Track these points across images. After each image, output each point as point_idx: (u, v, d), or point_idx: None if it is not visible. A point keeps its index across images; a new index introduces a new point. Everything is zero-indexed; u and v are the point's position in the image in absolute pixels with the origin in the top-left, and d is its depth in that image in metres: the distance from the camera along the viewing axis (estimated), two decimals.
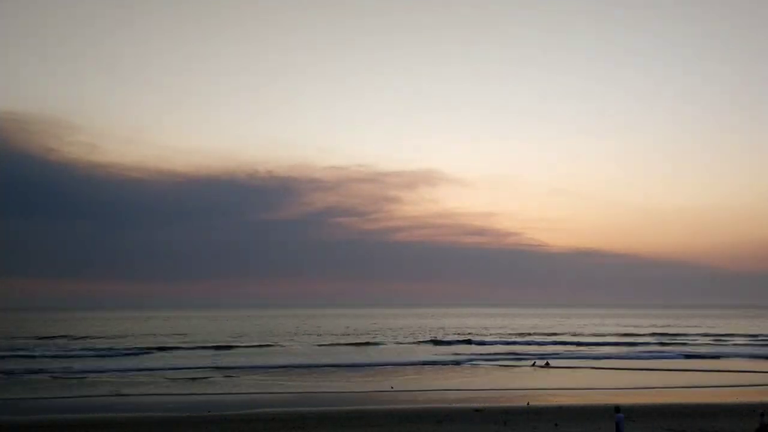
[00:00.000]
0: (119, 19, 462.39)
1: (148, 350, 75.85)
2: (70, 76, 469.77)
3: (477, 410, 31.98)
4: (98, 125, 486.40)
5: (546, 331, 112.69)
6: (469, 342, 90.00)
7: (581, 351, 74.46)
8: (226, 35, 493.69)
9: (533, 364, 57.82)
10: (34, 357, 66.14)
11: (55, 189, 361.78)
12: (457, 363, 60.73)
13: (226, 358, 64.48)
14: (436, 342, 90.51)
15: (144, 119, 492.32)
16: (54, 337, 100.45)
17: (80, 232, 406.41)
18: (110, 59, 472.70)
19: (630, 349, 77.18)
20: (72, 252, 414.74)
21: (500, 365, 59.19)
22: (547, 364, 58.08)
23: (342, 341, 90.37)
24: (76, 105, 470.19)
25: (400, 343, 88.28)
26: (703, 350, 74.08)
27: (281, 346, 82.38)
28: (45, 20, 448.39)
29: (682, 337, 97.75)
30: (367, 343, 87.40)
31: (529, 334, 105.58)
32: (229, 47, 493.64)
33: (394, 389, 42.07)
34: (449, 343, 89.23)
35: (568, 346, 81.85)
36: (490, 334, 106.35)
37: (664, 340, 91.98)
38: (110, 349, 76.52)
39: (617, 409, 22.74)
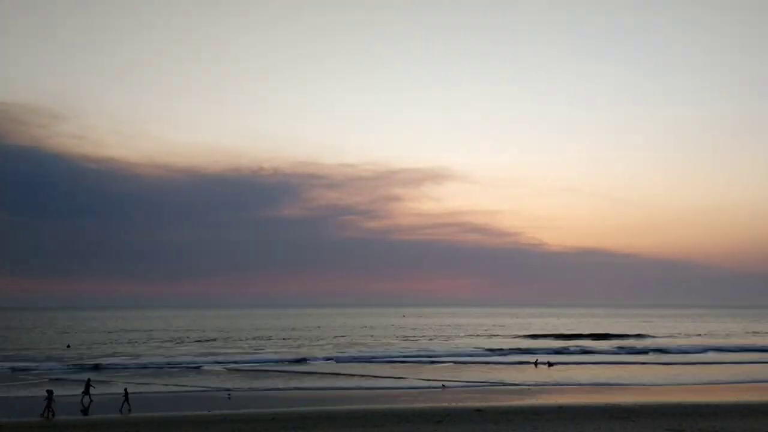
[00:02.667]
0: (119, 11, 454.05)
1: None
2: (65, 68, 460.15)
3: (477, 410, 32.00)
4: (95, 118, 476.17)
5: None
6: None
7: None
8: (233, 29, 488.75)
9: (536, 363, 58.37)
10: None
11: (44, 182, 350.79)
12: None
13: None
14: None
15: (144, 114, 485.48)
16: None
17: (69, 228, 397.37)
18: (108, 51, 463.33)
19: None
20: (63, 249, 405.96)
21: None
22: (549, 363, 58.37)
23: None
24: (71, 97, 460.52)
25: None
26: None
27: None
28: (38, 8, 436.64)
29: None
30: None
31: None
32: (235, 41, 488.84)
33: None
34: None
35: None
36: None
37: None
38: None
39: None
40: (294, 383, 45.99)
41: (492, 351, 73.09)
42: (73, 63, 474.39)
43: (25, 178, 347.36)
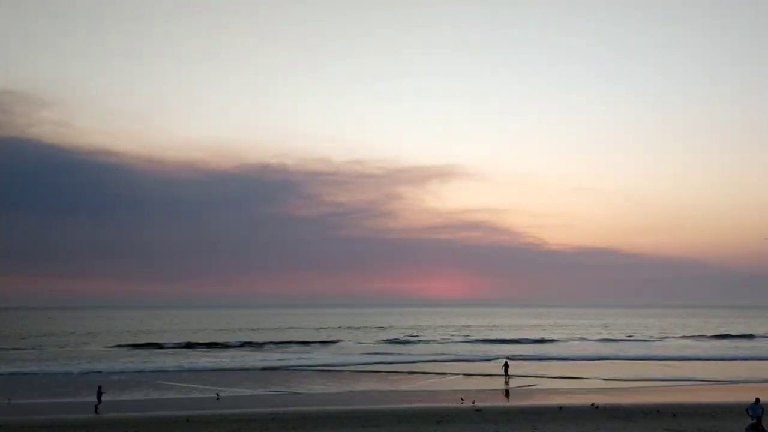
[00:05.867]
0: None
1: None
2: (51, 54, 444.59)
3: (477, 410, 32.03)
4: (85, 108, 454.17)
5: None
6: None
7: None
8: (241, 23, 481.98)
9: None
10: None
11: (27, 175, 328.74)
12: None
13: None
14: None
15: (142, 107, 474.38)
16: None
17: (59, 225, 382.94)
18: (110, 41, 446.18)
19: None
20: (51, 247, 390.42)
21: None
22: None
23: None
24: (58, 84, 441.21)
25: None
26: None
27: None
28: None
29: None
30: None
31: None
32: (240, 32, 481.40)
33: None
34: None
35: None
36: None
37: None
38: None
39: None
40: None
41: None
42: (74, 57, 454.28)
43: (6, 171, 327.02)
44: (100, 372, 53.22)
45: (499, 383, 45.86)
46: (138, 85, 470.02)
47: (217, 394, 39.48)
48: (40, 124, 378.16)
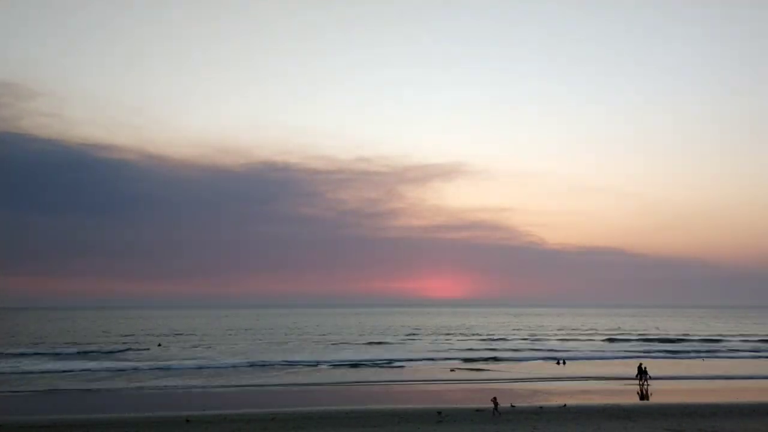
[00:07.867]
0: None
1: None
2: (42, 43, 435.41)
3: (478, 410, 32.03)
4: (97, 109, 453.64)
5: None
6: None
7: None
8: (245, 20, 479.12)
9: (558, 362, 58.94)
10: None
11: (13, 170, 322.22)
12: None
13: None
14: None
15: (149, 104, 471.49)
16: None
17: (54, 222, 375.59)
18: (110, 37, 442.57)
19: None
20: (52, 246, 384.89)
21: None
22: (564, 362, 59.19)
23: None
24: (49, 74, 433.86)
25: None
26: None
27: None
28: None
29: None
30: None
31: None
32: (246, 31, 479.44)
33: None
34: None
35: None
36: None
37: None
38: None
39: None
40: None
41: None
42: (74, 51, 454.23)
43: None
44: None
45: (500, 383, 45.90)
46: (139, 82, 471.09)
47: None
48: (30, 116, 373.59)
